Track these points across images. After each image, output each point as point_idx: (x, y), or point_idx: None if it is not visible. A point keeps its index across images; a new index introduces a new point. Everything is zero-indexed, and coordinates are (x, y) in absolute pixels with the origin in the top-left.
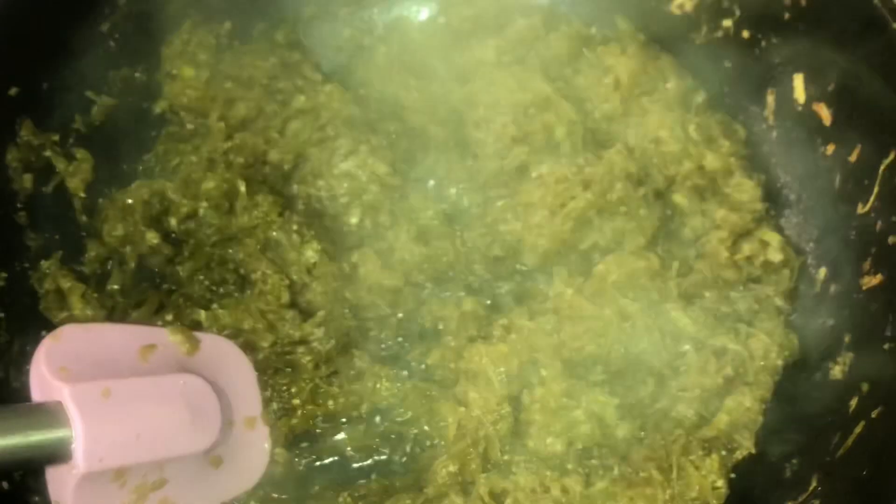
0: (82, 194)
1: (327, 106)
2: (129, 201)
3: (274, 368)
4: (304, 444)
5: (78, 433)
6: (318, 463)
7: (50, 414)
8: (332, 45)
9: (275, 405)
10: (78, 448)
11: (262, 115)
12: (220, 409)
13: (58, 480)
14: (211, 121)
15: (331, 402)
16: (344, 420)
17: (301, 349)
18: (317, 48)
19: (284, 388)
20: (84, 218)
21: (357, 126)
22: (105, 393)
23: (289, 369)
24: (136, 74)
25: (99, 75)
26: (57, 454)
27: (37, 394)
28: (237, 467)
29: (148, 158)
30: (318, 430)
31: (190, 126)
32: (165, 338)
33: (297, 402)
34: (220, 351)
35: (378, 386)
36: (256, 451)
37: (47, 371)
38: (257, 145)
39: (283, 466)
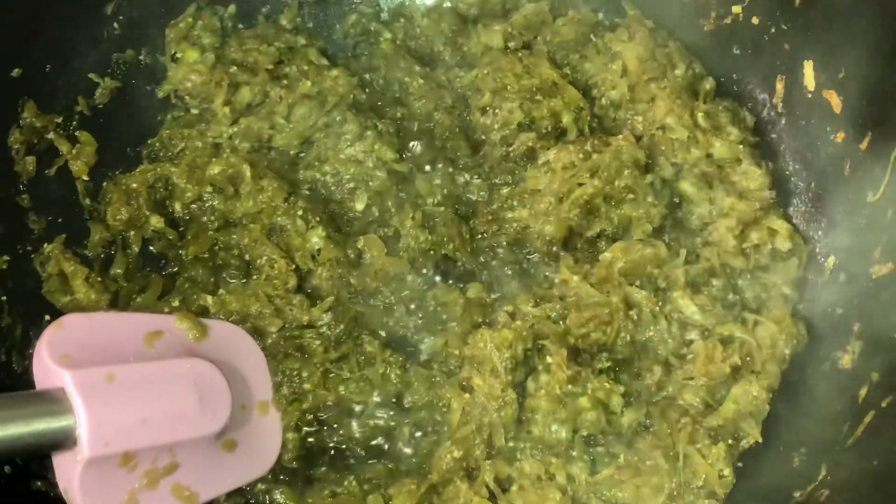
0: (85, 177)
1: (333, 91)
2: (134, 185)
3: (284, 353)
4: (313, 428)
5: (81, 418)
6: (325, 446)
7: (53, 400)
8: (337, 30)
9: (285, 390)
10: (82, 433)
11: (267, 100)
12: (231, 393)
13: (64, 467)
14: (216, 105)
15: (342, 388)
16: (352, 405)
17: (310, 334)
18: (322, 33)
19: (295, 372)
20: (87, 201)
21: (363, 111)
22: (109, 378)
23: (298, 353)
24: (141, 57)
25: (103, 57)
26: (62, 440)
27: (40, 382)
28: (251, 452)
29: (153, 142)
30: (327, 415)
31: (195, 111)
32: (172, 324)
33: (308, 386)
34: (228, 336)
35: (387, 371)
36: (270, 435)
37: (49, 358)
38: (262, 130)
39: (292, 450)
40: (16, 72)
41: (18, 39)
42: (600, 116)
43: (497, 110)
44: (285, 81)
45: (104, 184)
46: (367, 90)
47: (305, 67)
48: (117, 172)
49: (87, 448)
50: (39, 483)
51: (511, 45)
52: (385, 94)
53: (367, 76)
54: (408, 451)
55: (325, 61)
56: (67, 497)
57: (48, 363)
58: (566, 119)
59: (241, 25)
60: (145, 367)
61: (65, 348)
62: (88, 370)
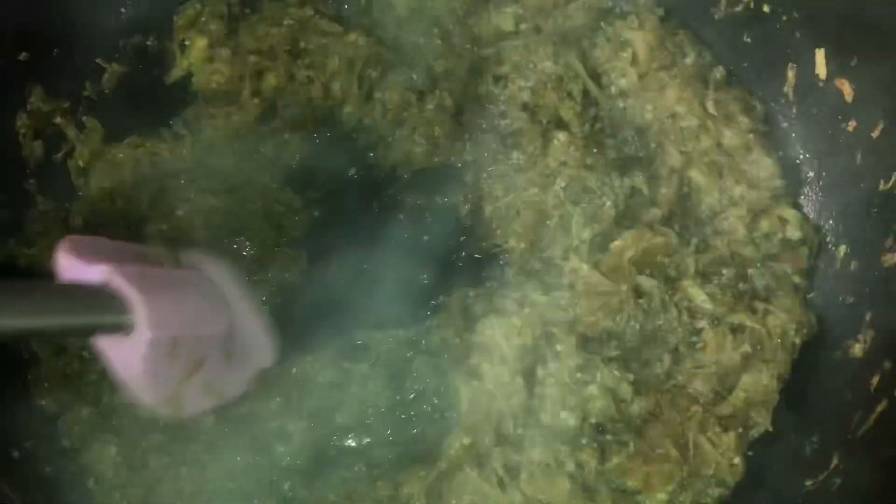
0: None
1: (357, 54)
2: None
3: None
4: (323, 415)
5: (139, 303)
6: (334, 434)
7: (102, 291)
8: None
9: (294, 370)
10: (140, 317)
11: (292, 81)
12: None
13: (125, 355)
14: (243, 98)
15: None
16: (365, 392)
17: None
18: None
19: (308, 361)
20: None
21: (391, 65)
22: (142, 273)
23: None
24: (148, 43)
25: (110, 43)
26: (115, 327)
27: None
28: (248, 355)
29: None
30: (335, 401)
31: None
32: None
33: None
34: (201, 264)
35: (398, 358)
36: (260, 335)
37: (81, 258)
38: None
39: (302, 436)
40: (23, 55)
41: (26, 23)
42: (610, 105)
43: (509, 83)
44: (308, 59)
45: None
46: (388, 46)
47: (324, 41)
48: None
49: (149, 329)
50: (48, 468)
51: (522, 27)
52: (404, 52)
53: (380, 33)
54: (416, 438)
55: (339, 28)
56: (132, 384)
57: (83, 261)
58: (566, 115)
59: (247, 10)
60: (159, 269)
61: (88, 251)
62: (127, 265)
